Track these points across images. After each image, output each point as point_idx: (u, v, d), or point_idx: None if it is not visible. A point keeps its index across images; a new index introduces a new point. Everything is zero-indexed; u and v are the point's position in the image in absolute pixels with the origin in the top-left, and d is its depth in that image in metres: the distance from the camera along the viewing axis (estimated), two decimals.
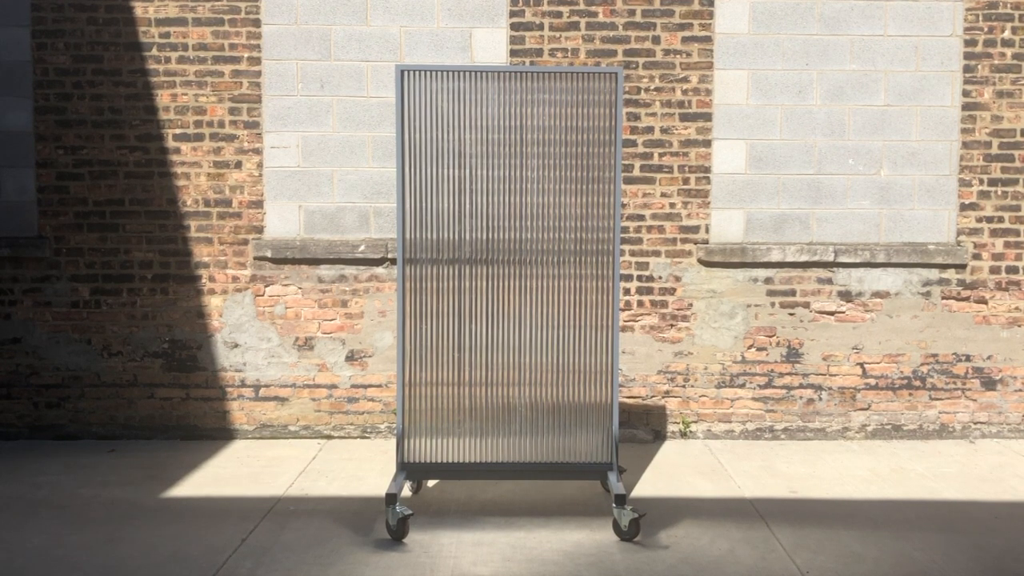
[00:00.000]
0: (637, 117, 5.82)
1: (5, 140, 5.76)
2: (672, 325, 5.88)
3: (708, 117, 5.83)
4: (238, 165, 5.80)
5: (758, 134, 5.85)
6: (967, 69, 5.84)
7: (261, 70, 5.78)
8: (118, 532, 4.19)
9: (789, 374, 5.89)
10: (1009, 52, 5.83)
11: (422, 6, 5.77)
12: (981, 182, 5.88)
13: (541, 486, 4.92)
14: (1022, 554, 3.98)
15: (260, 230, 5.83)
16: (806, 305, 5.87)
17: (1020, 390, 5.94)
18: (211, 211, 5.81)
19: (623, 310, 5.87)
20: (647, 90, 5.82)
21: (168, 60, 5.75)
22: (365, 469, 5.22)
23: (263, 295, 5.84)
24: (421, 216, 4.33)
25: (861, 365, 5.90)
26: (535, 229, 4.35)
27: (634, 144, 5.82)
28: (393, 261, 5.83)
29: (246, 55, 5.77)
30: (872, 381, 5.91)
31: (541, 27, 5.77)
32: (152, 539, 4.11)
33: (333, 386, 5.88)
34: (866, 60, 5.83)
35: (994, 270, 5.91)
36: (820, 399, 5.90)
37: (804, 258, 5.81)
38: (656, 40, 5.79)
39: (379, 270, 5.85)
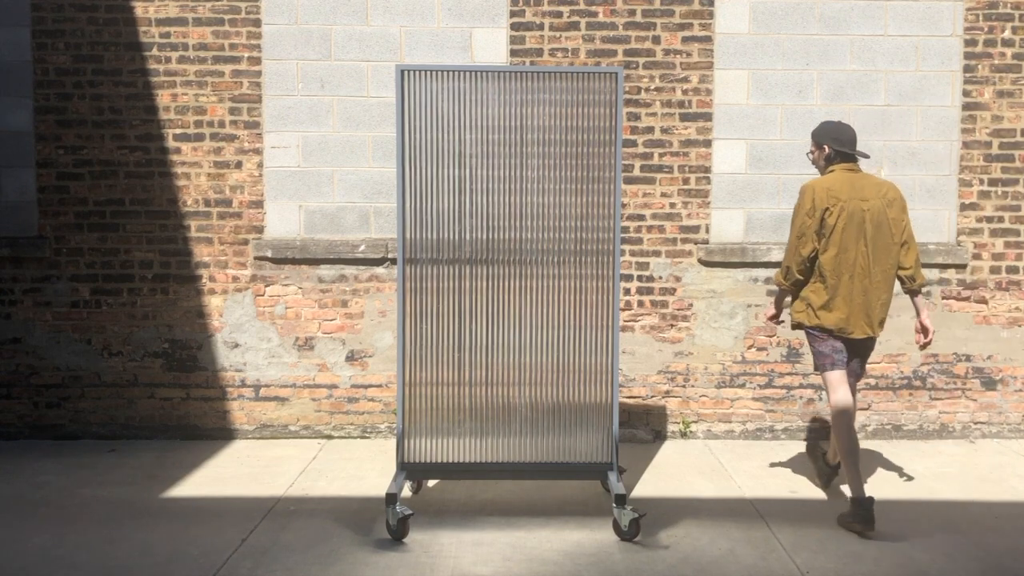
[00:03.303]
0: (637, 117, 5.82)
1: (5, 140, 5.76)
2: (672, 325, 5.88)
3: (708, 117, 5.83)
4: (238, 165, 5.80)
5: (758, 134, 5.84)
6: (967, 69, 5.84)
7: (261, 70, 5.78)
8: (118, 532, 4.19)
9: (789, 374, 5.89)
10: (1009, 52, 5.83)
11: (422, 6, 5.77)
12: (981, 182, 5.88)
13: (541, 486, 4.91)
14: (1022, 554, 3.98)
15: (260, 230, 5.83)
16: None
17: (1020, 390, 5.94)
18: (211, 211, 5.81)
19: (623, 310, 5.87)
20: (647, 90, 5.82)
21: (168, 60, 5.75)
22: (365, 469, 5.22)
23: (263, 295, 5.84)
24: (421, 216, 4.33)
25: None
26: (535, 229, 4.35)
27: (634, 144, 5.82)
28: (393, 261, 5.83)
29: (246, 55, 5.77)
30: (872, 381, 5.91)
31: (541, 27, 5.77)
32: (152, 539, 4.11)
33: (333, 386, 5.88)
34: (866, 60, 5.83)
35: (994, 270, 5.91)
36: (820, 399, 5.90)
37: None
38: (656, 40, 5.79)
39: (379, 270, 5.85)
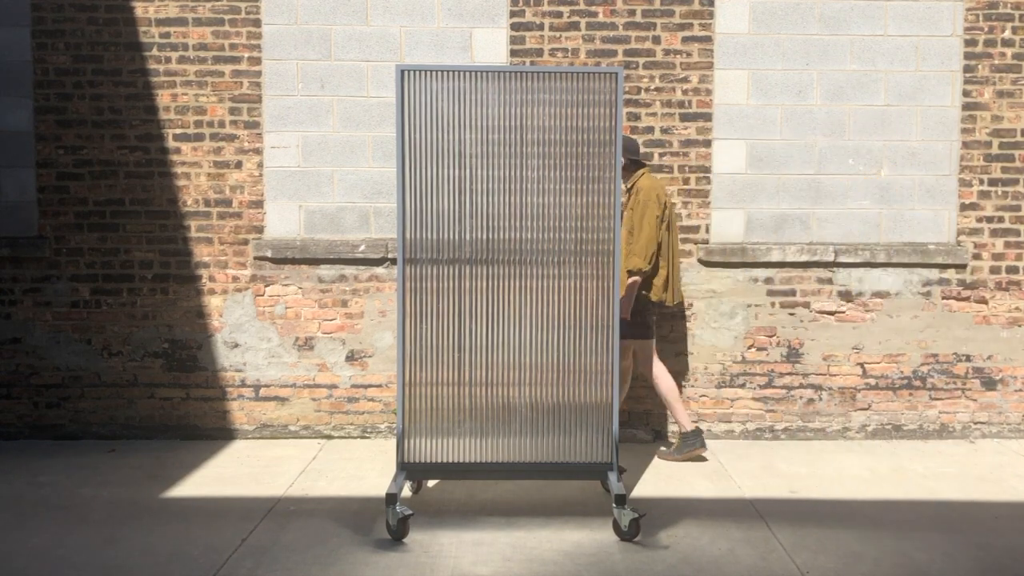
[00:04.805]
0: (637, 117, 5.82)
1: (5, 140, 5.76)
2: (672, 325, 5.87)
3: (708, 117, 5.83)
4: (238, 165, 5.80)
5: (758, 134, 5.85)
6: (967, 69, 5.84)
7: (261, 70, 5.78)
8: (118, 532, 4.20)
9: (789, 374, 5.89)
10: (1009, 52, 5.83)
11: (422, 6, 5.77)
12: (981, 182, 5.88)
13: (541, 486, 4.92)
14: (1022, 554, 3.98)
15: (260, 230, 5.83)
16: (806, 305, 5.87)
17: (1020, 390, 5.94)
18: (211, 211, 5.81)
19: None
20: (647, 90, 5.82)
21: (168, 60, 5.75)
22: (365, 469, 5.22)
23: (263, 295, 5.85)
24: (421, 216, 4.33)
25: (861, 365, 5.90)
26: (535, 229, 4.35)
27: None
28: (393, 261, 5.83)
29: (246, 55, 5.77)
30: (872, 381, 5.91)
31: (541, 27, 5.77)
32: (152, 539, 4.11)
33: (333, 386, 5.88)
34: (866, 60, 5.83)
35: (994, 270, 5.91)
36: (820, 399, 5.90)
37: (804, 258, 5.81)
38: (656, 40, 5.79)
39: (379, 270, 5.85)
